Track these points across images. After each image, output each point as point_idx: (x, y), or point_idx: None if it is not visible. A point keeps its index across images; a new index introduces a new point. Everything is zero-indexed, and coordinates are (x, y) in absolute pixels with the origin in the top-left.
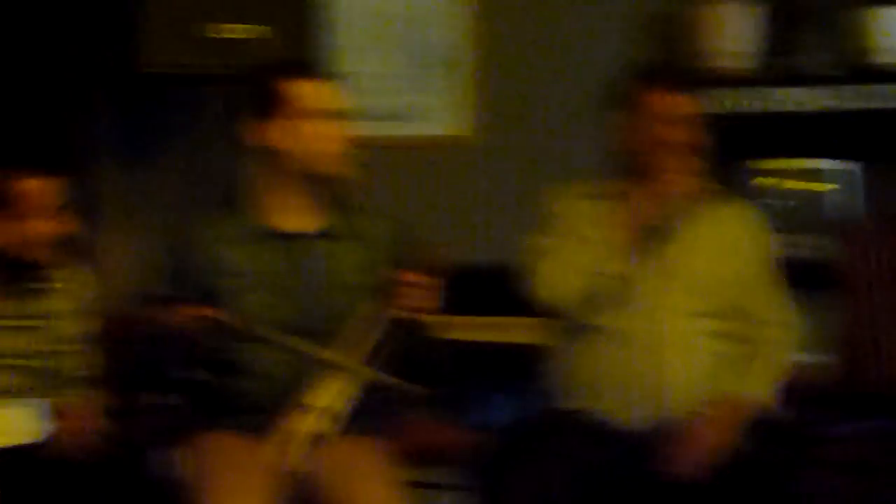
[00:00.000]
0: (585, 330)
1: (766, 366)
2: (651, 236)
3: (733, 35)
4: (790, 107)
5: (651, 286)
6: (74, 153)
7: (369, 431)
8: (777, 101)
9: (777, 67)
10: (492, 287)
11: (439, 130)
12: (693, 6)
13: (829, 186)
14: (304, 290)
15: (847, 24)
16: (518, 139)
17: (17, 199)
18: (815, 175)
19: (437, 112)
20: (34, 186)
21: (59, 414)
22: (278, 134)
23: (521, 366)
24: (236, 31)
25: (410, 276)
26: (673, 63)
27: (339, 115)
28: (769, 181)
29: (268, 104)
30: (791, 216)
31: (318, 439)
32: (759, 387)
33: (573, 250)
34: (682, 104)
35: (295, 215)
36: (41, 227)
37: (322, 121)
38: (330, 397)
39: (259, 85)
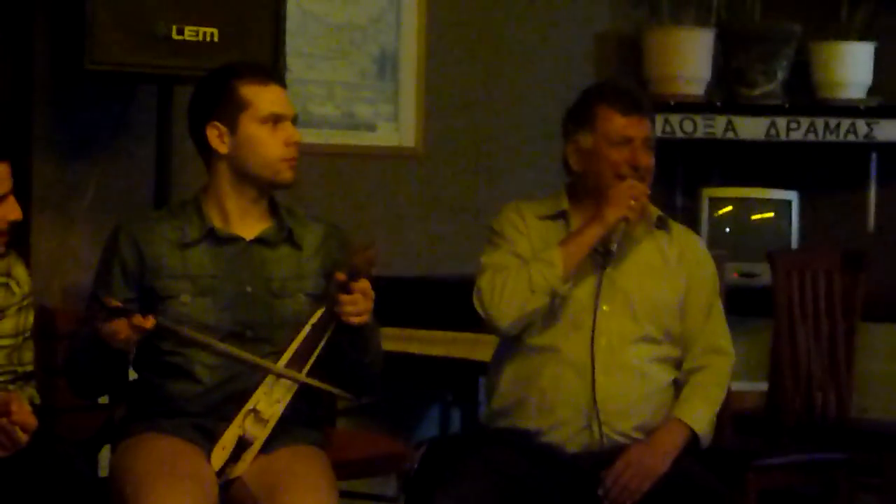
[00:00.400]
0: (523, 348)
1: (706, 393)
2: (595, 258)
3: (684, 61)
4: (730, 135)
5: (591, 308)
6: (9, 145)
7: (305, 439)
8: (721, 129)
9: (724, 95)
10: (429, 300)
11: (386, 141)
12: (647, 30)
13: (765, 215)
14: (239, 294)
15: (798, 57)
16: (466, 151)
17: None
18: (752, 203)
19: (384, 122)
20: None
21: None
22: (225, 137)
23: (459, 380)
24: (187, 31)
25: (347, 283)
26: (626, 85)
27: (287, 120)
28: (711, 207)
29: (226, 106)
30: (728, 242)
31: (254, 445)
32: (697, 413)
33: (516, 267)
34: (633, 126)
35: (236, 219)
36: None
37: (280, 125)
38: (264, 403)
39: (215, 86)
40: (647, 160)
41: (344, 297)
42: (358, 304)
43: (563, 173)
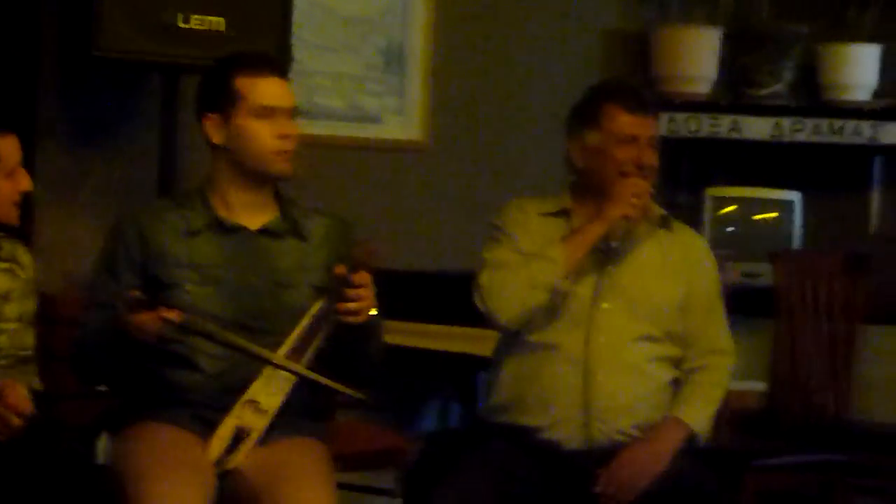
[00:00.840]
0: (524, 344)
1: (705, 392)
2: (596, 256)
3: (691, 60)
4: (735, 135)
5: (592, 306)
6: (16, 129)
7: (303, 431)
8: (726, 128)
9: (730, 95)
10: (435, 294)
11: (392, 133)
12: (655, 29)
13: (768, 215)
14: (242, 285)
15: (804, 58)
16: (471, 145)
17: None
18: (755, 203)
19: (391, 115)
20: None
21: None
22: (229, 128)
23: (459, 374)
24: (193, 20)
25: (352, 276)
26: (632, 83)
27: (292, 112)
28: (713, 207)
29: (221, 98)
30: (730, 242)
31: (251, 436)
32: (696, 413)
33: (517, 263)
34: (638, 125)
35: (240, 210)
36: (4, 186)
37: (274, 118)
38: (265, 395)
39: (214, 78)
40: (652, 159)
41: (347, 292)
42: (359, 301)
43: (566, 168)
